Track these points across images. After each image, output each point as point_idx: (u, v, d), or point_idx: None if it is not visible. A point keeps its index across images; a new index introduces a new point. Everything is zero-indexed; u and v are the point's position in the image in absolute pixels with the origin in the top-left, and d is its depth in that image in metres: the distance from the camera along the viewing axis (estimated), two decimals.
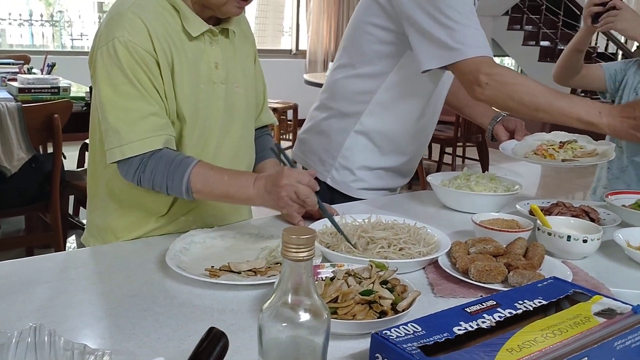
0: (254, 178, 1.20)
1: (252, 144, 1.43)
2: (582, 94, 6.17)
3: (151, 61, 1.17)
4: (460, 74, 1.45)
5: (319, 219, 1.35)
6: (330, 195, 1.73)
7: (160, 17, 1.20)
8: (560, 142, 1.59)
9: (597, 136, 1.55)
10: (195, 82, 1.24)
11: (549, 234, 1.23)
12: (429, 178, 1.63)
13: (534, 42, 8.50)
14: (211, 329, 0.62)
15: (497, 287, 1.05)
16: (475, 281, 1.06)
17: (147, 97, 1.17)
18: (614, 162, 1.79)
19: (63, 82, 3.39)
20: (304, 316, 0.60)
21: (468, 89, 1.45)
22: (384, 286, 0.93)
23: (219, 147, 1.31)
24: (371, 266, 0.99)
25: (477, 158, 5.55)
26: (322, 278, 0.98)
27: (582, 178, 1.90)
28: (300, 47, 7.79)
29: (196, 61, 1.24)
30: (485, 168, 5.38)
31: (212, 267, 1.07)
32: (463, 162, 6.06)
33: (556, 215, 1.39)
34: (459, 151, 5.77)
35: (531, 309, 0.82)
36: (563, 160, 1.53)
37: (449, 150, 5.48)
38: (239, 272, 1.04)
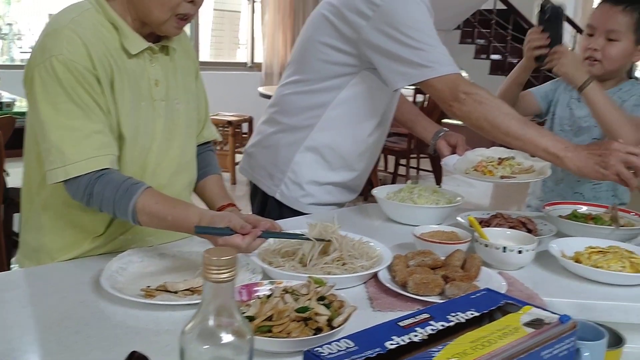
0: (194, 227, 1.13)
1: (193, 161, 1.42)
2: None
3: (92, 78, 1.15)
4: (434, 90, 1.48)
5: None
6: (279, 210, 1.72)
7: (99, 35, 1.19)
8: (499, 158, 1.64)
9: None
10: (136, 99, 1.23)
11: (486, 245, 1.25)
12: (374, 191, 1.65)
13: (485, 55, 8.72)
14: (132, 353, 0.60)
15: (434, 299, 1.06)
16: (413, 294, 1.07)
17: (90, 115, 1.15)
18: (548, 177, 1.84)
19: (6, 97, 3.30)
20: (227, 337, 0.60)
21: (444, 104, 1.48)
22: (321, 302, 0.93)
23: (158, 164, 1.30)
24: (309, 282, 0.99)
25: (431, 169, 5.65)
26: (258, 296, 0.98)
27: (528, 187, 1.98)
28: (256, 60, 7.78)
29: (136, 79, 1.23)
30: (438, 179, 5.48)
31: (147, 287, 1.05)
32: (417, 173, 6.15)
33: (495, 226, 1.42)
34: (414, 163, 5.86)
35: (463, 320, 0.83)
36: (501, 177, 1.58)
37: (403, 162, 5.56)
38: (175, 292, 1.03)
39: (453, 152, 1.74)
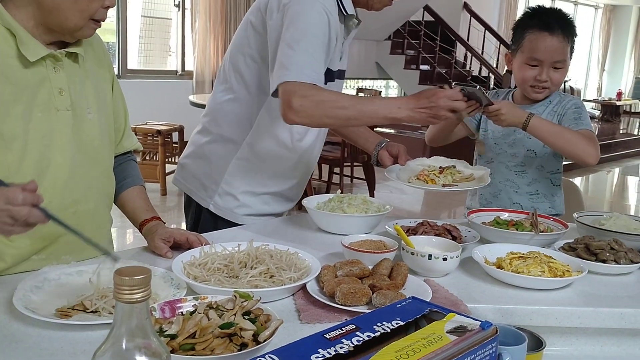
0: None
1: (109, 172, 1.36)
2: None
3: None
4: (280, 99, 1.44)
5: (188, 248, 1.31)
6: (214, 222, 1.69)
7: None
8: (440, 167, 1.68)
9: (472, 161, 1.64)
10: (27, 109, 1.17)
11: (412, 253, 1.27)
12: (304, 202, 1.65)
13: (415, 65, 8.96)
14: None
15: (362, 309, 1.06)
16: (341, 305, 1.07)
17: None
18: (485, 188, 1.88)
19: None
20: (141, 359, 0.57)
21: (283, 115, 1.43)
22: (247, 317, 0.91)
23: (71, 176, 1.24)
24: (235, 297, 0.97)
25: (364, 177, 5.72)
26: (182, 313, 0.95)
27: (462, 194, 2.06)
28: (187, 68, 7.65)
29: (33, 88, 1.18)
30: (372, 187, 5.55)
31: (63, 306, 1.00)
32: (351, 181, 6.21)
33: (421, 234, 1.45)
34: (347, 171, 5.92)
35: (389, 330, 0.83)
36: (444, 185, 1.61)
37: (337, 170, 5.60)
38: (94, 311, 0.98)
39: (395, 162, 1.77)
